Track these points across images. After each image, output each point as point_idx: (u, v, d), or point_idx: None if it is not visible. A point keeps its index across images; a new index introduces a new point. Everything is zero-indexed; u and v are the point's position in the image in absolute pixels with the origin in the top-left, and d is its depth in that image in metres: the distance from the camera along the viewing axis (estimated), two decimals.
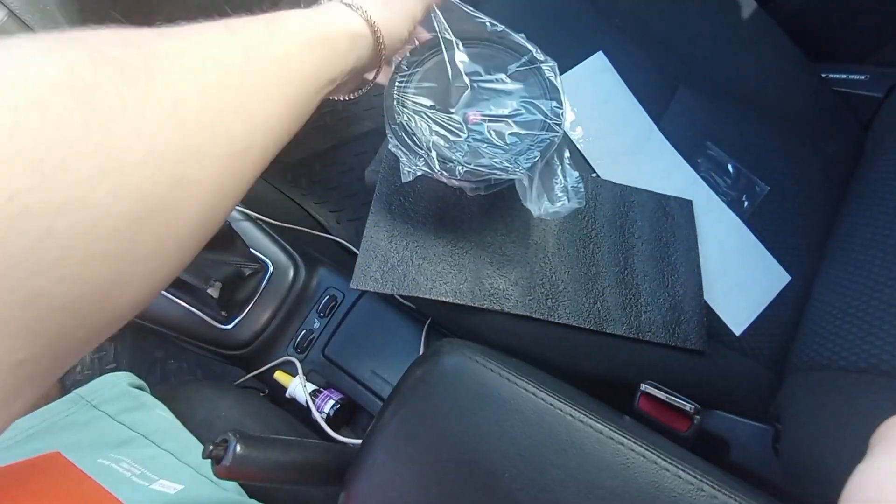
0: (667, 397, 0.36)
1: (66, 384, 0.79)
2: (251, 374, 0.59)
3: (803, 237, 0.56)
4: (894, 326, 0.37)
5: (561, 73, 0.59)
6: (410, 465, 0.26)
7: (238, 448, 0.28)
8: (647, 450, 0.23)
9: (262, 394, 0.62)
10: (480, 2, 0.59)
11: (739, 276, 0.54)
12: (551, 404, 0.25)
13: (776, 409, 0.44)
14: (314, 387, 0.56)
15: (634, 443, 0.23)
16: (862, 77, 0.60)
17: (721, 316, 0.52)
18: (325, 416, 0.53)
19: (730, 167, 0.59)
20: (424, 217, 0.49)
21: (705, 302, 0.51)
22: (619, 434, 0.23)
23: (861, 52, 0.63)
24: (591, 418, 0.24)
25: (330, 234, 0.74)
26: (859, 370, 0.37)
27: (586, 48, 0.60)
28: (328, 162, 0.92)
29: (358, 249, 0.47)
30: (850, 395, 0.36)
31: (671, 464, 0.22)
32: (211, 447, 0.28)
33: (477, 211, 0.50)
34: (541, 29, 0.59)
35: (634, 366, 0.47)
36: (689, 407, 0.36)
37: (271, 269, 0.57)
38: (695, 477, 0.22)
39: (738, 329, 0.52)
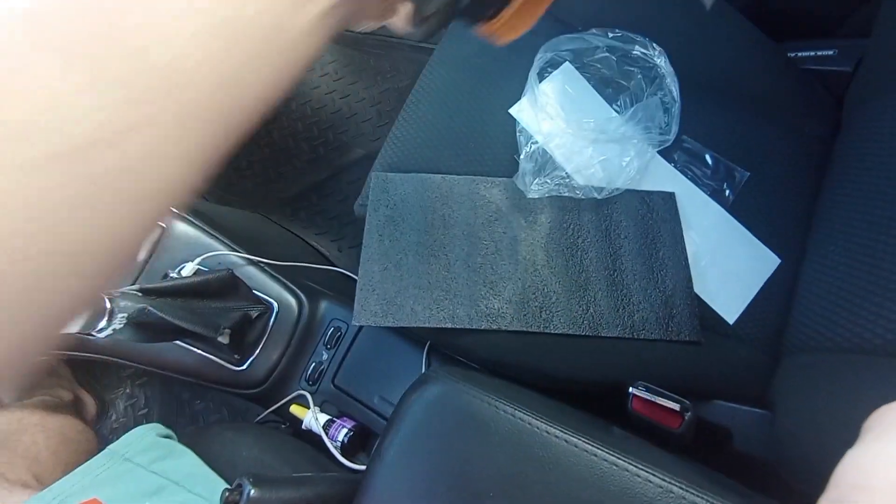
0: (654, 398, 0.37)
1: (103, 432, 0.84)
2: (269, 410, 0.62)
3: (789, 218, 0.57)
4: (874, 304, 0.38)
5: (530, 90, 0.62)
6: (407, 491, 0.28)
7: (252, 492, 0.30)
8: (619, 458, 0.24)
9: (282, 426, 0.65)
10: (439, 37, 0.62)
11: (728, 265, 0.55)
12: (528, 423, 0.26)
13: (773, 394, 0.44)
14: (328, 417, 0.58)
15: (607, 453, 0.25)
16: (830, 52, 0.61)
17: (713, 306, 0.53)
18: (339, 444, 0.55)
19: (707, 158, 0.60)
20: (416, 246, 0.51)
21: (696, 294, 0.52)
22: (592, 446, 0.25)
23: (825, 27, 0.63)
24: (565, 433, 0.26)
25: (331, 264, 0.77)
26: (843, 350, 0.38)
27: (554, 60, 0.62)
28: (325, 192, 0.95)
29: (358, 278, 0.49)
30: (836, 377, 0.37)
31: (641, 469, 0.24)
32: (227, 493, 0.31)
33: (462, 233, 0.53)
34: (504, 54, 0.61)
35: (631, 366, 0.49)
36: (677, 406, 0.37)
37: (276, 308, 0.60)
38: (664, 480, 0.23)
39: (731, 317, 0.52)
